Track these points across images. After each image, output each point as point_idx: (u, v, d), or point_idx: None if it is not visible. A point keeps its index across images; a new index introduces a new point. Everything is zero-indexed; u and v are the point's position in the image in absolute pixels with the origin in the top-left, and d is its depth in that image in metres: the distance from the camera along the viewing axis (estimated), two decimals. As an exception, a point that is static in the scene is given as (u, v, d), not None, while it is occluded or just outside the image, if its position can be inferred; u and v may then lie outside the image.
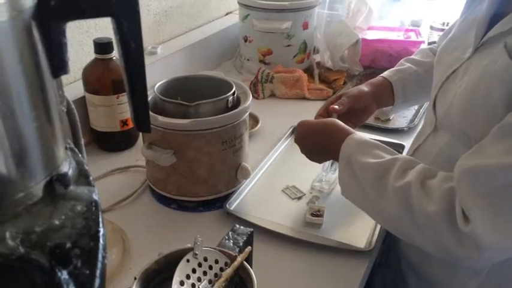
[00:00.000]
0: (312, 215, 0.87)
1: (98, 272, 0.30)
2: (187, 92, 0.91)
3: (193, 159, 0.85)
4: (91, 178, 0.37)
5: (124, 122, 1.05)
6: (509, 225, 0.58)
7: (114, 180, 0.99)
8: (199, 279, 0.54)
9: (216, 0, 1.64)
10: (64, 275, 0.29)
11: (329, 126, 0.80)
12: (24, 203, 0.31)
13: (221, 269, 0.56)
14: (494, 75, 0.63)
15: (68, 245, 0.29)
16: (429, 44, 1.61)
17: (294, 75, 1.36)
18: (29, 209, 0.31)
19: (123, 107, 1.03)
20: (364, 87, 0.95)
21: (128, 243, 0.80)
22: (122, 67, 0.38)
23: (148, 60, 1.25)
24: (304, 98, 1.36)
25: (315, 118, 0.90)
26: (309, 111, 1.10)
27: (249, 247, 0.60)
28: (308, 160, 0.85)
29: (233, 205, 0.90)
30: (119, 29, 0.35)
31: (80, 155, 0.39)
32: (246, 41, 1.48)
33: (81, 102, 1.04)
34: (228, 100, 0.86)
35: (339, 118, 0.85)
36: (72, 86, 1.10)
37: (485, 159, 0.59)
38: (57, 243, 0.29)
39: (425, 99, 1.09)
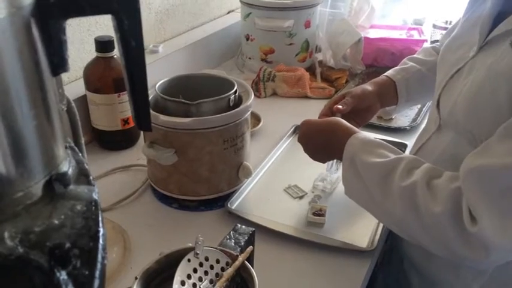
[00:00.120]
0: (314, 214, 0.86)
1: (97, 273, 0.30)
2: (189, 90, 0.91)
3: (195, 158, 0.84)
4: (91, 177, 0.36)
5: (125, 121, 1.05)
6: None
7: (115, 179, 0.98)
8: (200, 279, 0.54)
9: (218, -2, 1.64)
10: (63, 275, 0.28)
11: (333, 125, 0.80)
12: (23, 202, 0.31)
13: (222, 269, 0.56)
14: (500, 74, 0.63)
15: (67, 245, 0.29)
16: (432, 42, 1.60)
17: (296, 74, 1.35)
18: (28, 208, 0.31)
19: (124, 105, 1.03)
20: (368, 87, 0.95)
21: (129, 242, 0.80)
22: (123, 65, 0.38)
23: (149, 59, 1.25)
24: (306, 97, 1.36)
25: (319, 118, 0.90)
26: (311, 110, 1.09)
27: (251, 247, 0.60)
28: (310, 159, 0.85)
29: (235, 204, 0.90)
30: (119, 27, 0.35)
31: (80, 154, 0.38)
32: (247, 39, 1.47)
33: (83, 100, 1.04)
34: (229, 99, 0.85)
35: (342, 117, 0.85)
36: (74, 84, 1.10)
37: (491, 159, 0.58)
38: (56, 243, 0.29)
39: (428, 98, 1.08)
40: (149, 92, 0.85)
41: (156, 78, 0.90)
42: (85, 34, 1.13)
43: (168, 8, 1.40)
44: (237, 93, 0.88)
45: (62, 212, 0.32)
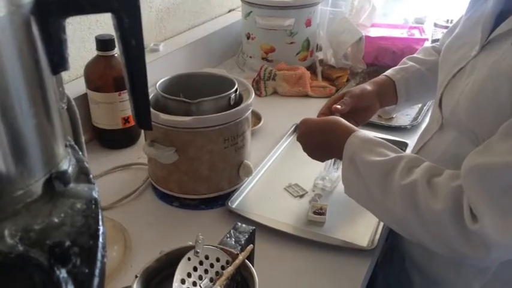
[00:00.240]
0: (314, 213, 0.86)
1: (97, 271, 0.30)
2: (189, 89, 0.91)
3: (195, 157, 0.84)
4: (91, 176, 0.36)
5: (126, 120, 1.05)
6: None
7: (115, 178, 0.99)
8: (200, 278, 0.54)
9: (219, -3, 1.64)
10: (63, 273, 0.28)
11: (332, 124, 0.79)
12: (23, 200, 0.31)
13: (222, 267, 0.56)
14: (501, 73, 0.63)
15: (67, 243, 0.29)
16: (433, 41, 1.60)
17: (296, 73, 1.35)
18: (28, 206, 0.31)
19: (125, 104, 1.03)
20: (367, 86, 0.95)
21: (129, 241, 0.80)
22: (123, 64, 0.38)
23: (150, 58, 1.25)
24: (306, 96, 1.36)
25: (318, 117, 0.90)
26: (311, 109, 1.09)
27: (251, 245, 0.60)
28: (310, 158, 0.85)
29: (235, 203, 0.90)
30: (119, 25, 0.35)
31: (80, 153, 0.38)
32: (248, 38, 1.47)
33: (83, 99, 1.04)
34: (230, 97, 0.85)
35: (341, 117, 0.85)
36: (74, 83, 1.10)
37: (492, 157, 0.58)
38: (56, 241, 0.29)
39: (428, 97, 1.08)
40: (150, 90, 0.86)
41: (157, 77, 0.90)
42: (86, 33, 1.13)
43: (169, 6, 1.40)
44: (237, 92, 0.88)
45: (62, 210, 0.32)
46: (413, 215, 0.64)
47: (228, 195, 0.90)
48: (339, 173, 0.94)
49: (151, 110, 0.81)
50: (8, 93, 0.30)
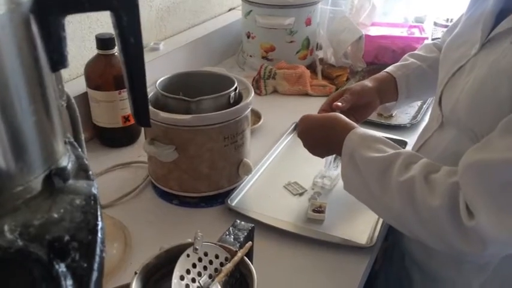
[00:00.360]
0: (314, 211, 0.87)
1: (95, 266, 0.30)
2: (189, 87, 0.91)
3: (195, 155, 0.85)
4: (90, 172, 0.37)
5: (126, 118, 1.05)
6: None
7: (116, 176, 0.99)
8: (199, 274, 0.54)
9: (219, -4, 1.64)
10: (62, 267, 0.29)
11: (332, 120, 0.80)
12: (22, 196, 0.31)
13: (221, 264, 0.56)
14: (501, 72, 0.63)
15: (66, 238, 0.29)
16: (433, 40, 1.60)
17: (296, 72, 1.36)
18: (28, 202, 0.31)
19: (125, 102, 1.03)
20: (368, 83, 0.95)
21: (129, 239, 0.81)
22: (122, 62, 0.38)
23: (150, 56, 1.25)
24: (306, 94, 1.36)
25: (318, 113, 0.90)
26: (311, 108, 1.09)
27: (250, 242, 0.60)
28: (310, 156, 0.85)
29: (235, 201, 0.90)
30: (118, 24, 0.35)
31: (79, 149, 0.39)
32: (248, 37, 1.47)
33: (84, 98, 1.04)
34: (229, 96, 0.86)
35: (341, 113, 0.85)
36: (75, 81, 1.10)
37: (490, 154, 0.58)
38: (55, 236, 0.29)
39: (428, 94, 1.08)
40: (150, 89, 0.86)
41: (157, 75, 0.90)
42: (86, 31, 1.13)
43: (169, 5, 1.40)
44: (237, 90, 0.88)
45: (61, 206, 0.32)
46: (410, 211, 0.64)
47: (228, 193, 0.90)
48: (338, 171, 0.94)
49: (151, 108, 0.81)
50: (7, 91, 0.30)
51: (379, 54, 1.50)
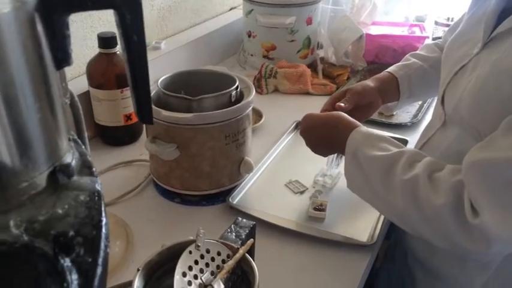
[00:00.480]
0: (315, 209, 0.87)
1: (100, 260, 0.30)
2: (191, 86, 0.91)
3: (197, 153, 0.85)
4: (94, 169, 0.37)
5: (128, 117, 1.05)
6: None
7: (118, 174, 0.99)
8: (201, 271, 0.54)
9: (220, -5, 1.65)
10: (67, 262, 0.29)
11: (335, 119, 0.80)
12: (27, 192, 0.32)
13: (223, 261, 0.56)
14: (504, 70, 0.63)
15: (71, 233, 0.30)
16: (434, 39, 1.60)
17: (297, 71, 1.36)
18: (33, 198, 0.32)
19: (127, 101, 1.04)
20: (370, 83, 0.95)
21: (131, 236, 0.81)
22: (125, 59, 0.38)
23: (152, 55, 1.26)
24: (307, 93, 1.36)
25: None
26: (312, 107, 1.10)
27: (251, 239, 0.61)
28: (311, 155, 0.85)
29: (236, 199, 0.90)
30: (121, 22, 0.35)
31: (83, 146, 0.39)
32: (249, 36, 1.48)
33: (85, 96, 1.05)
34: (231, 94, 0.86)
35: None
36: (77, 80, 1.11)
37: (494, 153, 0.59)
38: (60, 231, 0.30)
39: (430, 94, 1.09)
40: (151, 87, 0.86)
41: (158, 74, 0.90)
42: (88, 30, 1.13)
43: (170, 4, 1.41)
44: (238, 89, 0.88)
45: (66, 202, 0.32)
46: (414, 209, 0.65)
47: (229, 192, 0.90)
48: (340, 169, 0.95)
49: (153, 106, 0.82)
50: (13, 88, 0.30)
51: (379, 53, 1.50)
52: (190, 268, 0.53)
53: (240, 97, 0.89)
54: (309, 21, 1.44)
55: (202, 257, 0.55)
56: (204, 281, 0.53)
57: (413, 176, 0.65)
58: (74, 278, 0.29)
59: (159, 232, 0.84)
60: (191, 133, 0.83)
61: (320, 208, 0.87)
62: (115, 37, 1.01)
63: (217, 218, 0.87)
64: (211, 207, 0.90)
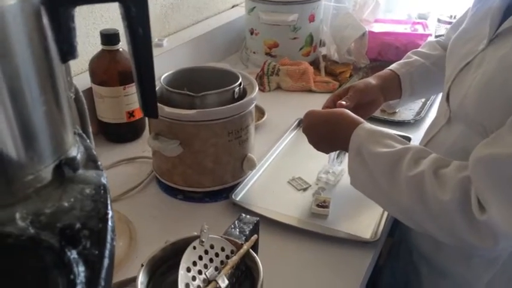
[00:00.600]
0: (318, 206, 0.87)
1: (106, 253, 0.30)
2: (194, 83, 0.91)
3: (200, 149, 0.85)
4: (99, 163, 0.37)
5: (131, 113, 1.05)
6: None
7: (120, 171, 0.99)
8: (205, 266, 0.54)
9: (222, -7, 1.64)
10: (73, 254, 0.29)
11: (338, 116, 0.80)
12: (33, 185, 0.32)
13: (227, 257, 0.56)
14: (510, 66, 0.63)
15: (78, 225, 0.30)
16: (436, 36, 1.60)
17: (300, 68, 1.36)
18: (39, 191, 0.32)
19: (129, 98, 1.04)
20: (372, 80, 0.95)
21: (134, 233, 0.81)
22: (130, 53, 0.38)
23: (154, 53, 1.24)
24: (310, 91, 1.36)
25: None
26: (315, 104, 1.10)
27: (255, 235, 0.60)
28: (314, 152, 0.85)
29: (239, 196, 0.90)
30: (126, 14, 0.35)
31: (87, 140, 0.39)
32: (252, 33, 1.47)
33: (88, 93, 1.05)
34: (234, 91, 0.86)
35: None
36: (79, 77, 1.11)
37: (501, 148, 0.59)
38: (66, 224, 0.30)
39: (432, 92, 1.08)
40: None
41: (161, 71, 0.90)
42: (90, 27, 1.13)
43: (173, 1, 1.40)
44: (241, 86, 0.88)
45: (72, 195, 0.32)
46: (420, 205, 0.64)
47: (232, 188, 0.90)
48: (342, 166, 0.95)
49: (156, 103, 0.82)
50: (19, 80, 0.30)
51: (382, 50, 1.50)
52: (194, 263, 0.53)
53: (243, 94, 0.88)
54: (312, 19, 1.44)
55: (206, 252, 0.55)
56: (208, 276, 0.53)
57: (419, 173, 0.65)
58: (81, 270, 0.29)
59: (161, 229, 0.84)
60: (194, 129, 0.83)
61: (323, 205, 0.87)
62: (118, 34, 1.00)
63: (220, 215, 0.87)
64: (214, 204, 0.90)
